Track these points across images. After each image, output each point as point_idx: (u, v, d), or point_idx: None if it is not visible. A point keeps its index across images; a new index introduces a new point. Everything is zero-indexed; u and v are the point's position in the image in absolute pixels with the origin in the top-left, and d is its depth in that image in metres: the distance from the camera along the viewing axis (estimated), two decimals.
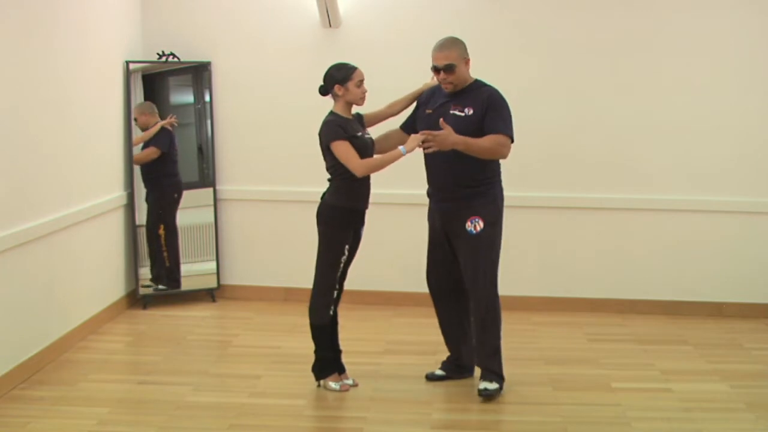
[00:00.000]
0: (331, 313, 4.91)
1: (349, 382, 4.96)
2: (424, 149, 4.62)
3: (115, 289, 6.34)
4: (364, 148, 4.72)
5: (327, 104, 6.51)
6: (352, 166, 4.63)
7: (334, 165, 4.74)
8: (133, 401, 4.77)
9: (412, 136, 4.67)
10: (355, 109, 4.86)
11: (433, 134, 4.56)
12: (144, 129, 6.52)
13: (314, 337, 4.93)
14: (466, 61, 4.77)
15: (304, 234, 6.70)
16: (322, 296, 4.88)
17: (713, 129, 6.40)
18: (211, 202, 6.74)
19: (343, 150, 4.63)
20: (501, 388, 4.84)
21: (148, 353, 5.65)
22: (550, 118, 6.44)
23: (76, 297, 5.68)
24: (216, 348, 5.82)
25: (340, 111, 4.76)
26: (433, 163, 4.84)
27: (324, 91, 4.79)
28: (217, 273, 6.80)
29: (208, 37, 6.62)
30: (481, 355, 4.91)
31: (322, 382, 4.93)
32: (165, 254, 6.63)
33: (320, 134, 4.73)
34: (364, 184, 4.80)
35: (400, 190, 6.47)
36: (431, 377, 5.08)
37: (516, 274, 6.58)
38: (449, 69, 4.69)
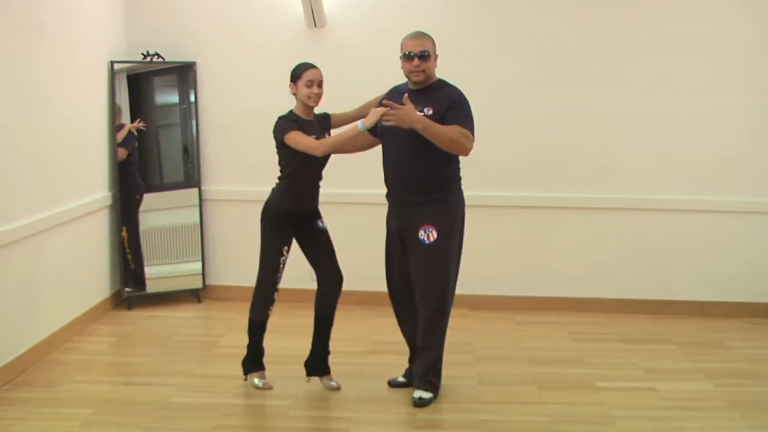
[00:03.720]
0: (270, 312, 4.97)
1: (333, 384, 4.94)
2: (384, 122, 4.51)
3: (100, 289, 6.33)
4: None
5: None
6: (310, 148, 4.58)
7: (283, 166, 4.80)
8: (118, 402, 4.76)
9: (373, 110, 4.55)
10: (321, 110, 4.84)
11: (394, 107, 4.47)
12: None
13: (248, 334, 4.98)
14: (436, 57, 4.72)
15: None
16: (262, 294, 4.94)
17: (697, 129, 6.44)
18: (197, 203, 6.73)
19: (297, 138, 4.60)
20: (435, 396, 4.80)
21: (133, 354, 5.64)
22: (535, 117, 6.46)
23: (61, 298, 5.67)
24: (201, 348, 5.81)
25: (298, 111, 4.76)
26: (389, 165, 4.78)
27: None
28: (203, 273, 6.79)
29: (193, 37, 6.61)
30: (420, 365, 4.83)
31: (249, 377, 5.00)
32: (129, 257, 6.59)
33: (273, 133, 4.72)
34: (309, 188, 4.86)
35: (382, 190, 6.47)
36: (393, 384, 5.02)
37: (500, 274, 6.62)
38: (424, 56, 4.61)
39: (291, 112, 4.77)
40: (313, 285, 6.71)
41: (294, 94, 4.78)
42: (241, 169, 6.73)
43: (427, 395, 4.77)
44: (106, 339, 5.93)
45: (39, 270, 5.35)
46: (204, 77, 6.66)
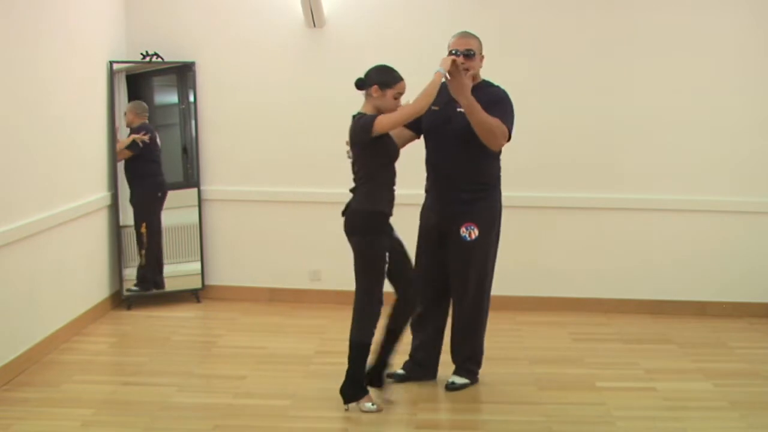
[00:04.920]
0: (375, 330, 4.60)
1: (387, 398, 4.75)
2: (448, 73, 4.53)
3: (100, 289, 6.32)
4: (395, 149, 4.60)
5: (310, 105, 6.56)
6: (412, 111, 4.40)
7: (365, 167, 4.52)
8: (118, 402, 4.75)
9: (445, 57, 4.54)
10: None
11: (457, 77, 4.50)
12: (129, 127, 6.53)
13: (353, 357, 4.60)
14: (482, 57, 4.79)
15: (289, 234, 6.75)
16: (369, 311, 4.59)
17: (698, 129, 6.43)
18: (196, 203, 6.73)
19: (390, 118, 4.40)
20: (473, 382, 4.93)
21: (133, 354, 5.64)
22: (535, 118, 6.44)
23: (60, 298, 5.66)
24: (201, 348, 5.80)
25: (369, 113, 4.52)
26: (436, 163, 4.85)
27: (361, 85, 4.53)
28: (202, 273, 6.79)
29: (193, 37, 6.60)
30: (460, 354, 4.98)
31: (351, 405, 4.62)
32: (143, 252, 6.61)
33: (355, 131, 4.48)
34: (393, 187, 4.60)
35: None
36: (394, 376, 4.98)
37: (500, 273, 6.52)
38: (469, 55, 4.66)
39: (361, 113, 4.54)
40: (313, 285, 6.78)
41: (373, 97, 4.50)
42: (240, 169, 6.72)
43: (461, 380, 4.93)
44: (105, 339, 5.93)
45: (38, 270, 5.34)
46: (203, 77, 6.65)
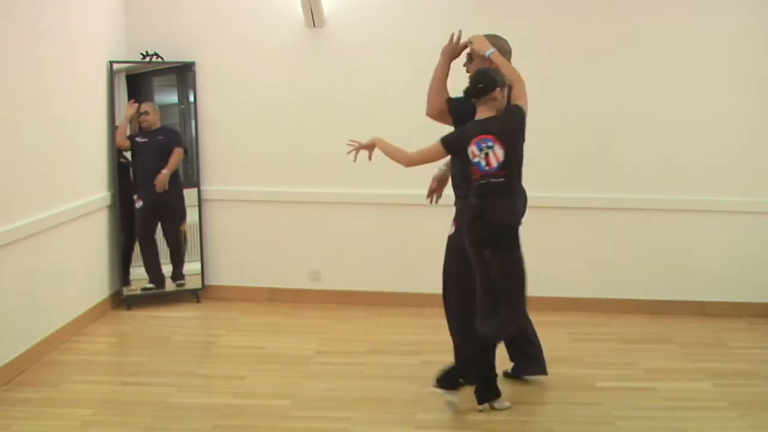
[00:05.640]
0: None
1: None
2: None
3: (100, 289, 6.32)
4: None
5: (310, 105, 6.55)
6: (522, 83, 4.44)
7: (511, 168, 4.37)
8: (118, 402, 4.76)
9: (478, 37, 4.63)
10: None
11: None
12: (147, 127, 6.56)
13: (488, 356, 4.62)
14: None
15: (289, 234, 6.74)
16: (514, 314, 4.59)
17: (698, 128, 6.42)
18: (196, 203, 6.73)
19: (524, 99, 4.41)
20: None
21: (133, 354, 5.65)
22: (536, 118, 6.39)
23: (60, 298, 5.66)
24: (201, 348, 5.81)
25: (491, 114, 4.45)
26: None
27: (482, 92, 4.41)
28: (202, 273, 6.78)
29: (193, 37, 6.60)
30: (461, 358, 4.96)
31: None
32: (183, 248, 6.72)
33: (516, 122, 4.39)
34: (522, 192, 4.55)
35: (383, 191, 6.48)
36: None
37: None
38: (471, 58, 4.69)
39: (485, 117, 4.44)
40: (312, 285, 6.78)
41: (497, 99, 4.41)
42: (240, 169, 6.72)
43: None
44: (105, 339, 5.93)
45: (38, 270, 5.34)
46: (203, 77, 6.65)
